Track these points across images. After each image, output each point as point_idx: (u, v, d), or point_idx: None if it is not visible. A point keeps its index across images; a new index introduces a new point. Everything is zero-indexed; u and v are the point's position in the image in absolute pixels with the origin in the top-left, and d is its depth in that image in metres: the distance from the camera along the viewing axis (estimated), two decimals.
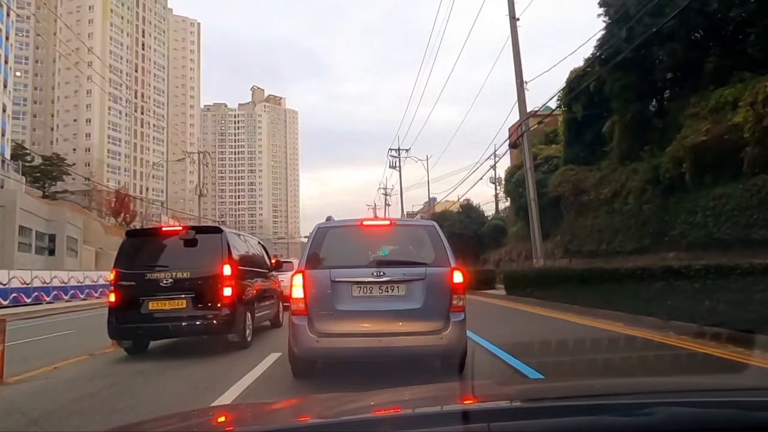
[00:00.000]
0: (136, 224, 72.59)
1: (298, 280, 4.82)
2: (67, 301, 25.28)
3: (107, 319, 7.18)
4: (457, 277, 4.83)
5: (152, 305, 6.97)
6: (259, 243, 10.34)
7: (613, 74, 15.97)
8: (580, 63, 20.30)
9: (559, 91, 19.70)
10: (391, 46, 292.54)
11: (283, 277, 10.48)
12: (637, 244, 15.83)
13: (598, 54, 16.18)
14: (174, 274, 7.07)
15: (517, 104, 15.51)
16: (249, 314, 7.71)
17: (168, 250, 7.59)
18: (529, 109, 16.06)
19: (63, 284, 26.90)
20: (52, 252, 43.32)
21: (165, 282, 7.01)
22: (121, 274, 7.23)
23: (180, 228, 8.23)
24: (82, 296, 27.33)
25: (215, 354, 6.99)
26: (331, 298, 4.72)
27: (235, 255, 7.58)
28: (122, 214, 65.94)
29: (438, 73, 67.85)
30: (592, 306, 10.51)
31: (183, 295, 7.01)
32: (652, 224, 14.94)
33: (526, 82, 15.56)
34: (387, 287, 4.76)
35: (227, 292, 7.07)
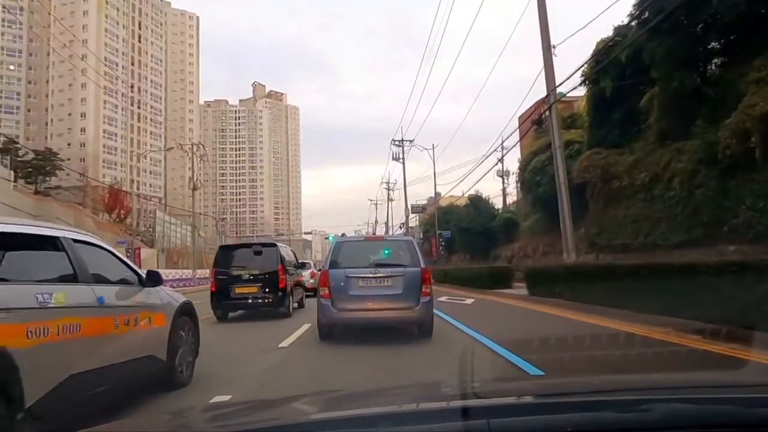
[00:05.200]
0: (132, 220, 70.84)
1: (325, 276, 7.19)
2: None
3: (210, 299, 11.30)
4: (425, 275, 7.15)
5: (237, 290, 11.05)
6: (291, 250, 14.45)
7: (655, 38, 13.59)
8: (609, 34, 17.96)
9: (584, 64, 17.27)
10: (395, 45, 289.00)
11: (305, 273, 15.74)
12: (684, 236, 13.47)
13: (636, 14, 13.79)
14: (249, 271, 11.21)
15: (533, 85, 13.23)
16: (291, 296, 11.79)
17: (245, 257, 11.76)
18: (540, 96, 13.69)
19: None
20: None
21: (244, 276, 11.16)
22: (217, 271, 11.48)
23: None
24: None
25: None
26: (345, 287, 7.01)
27: (283, 260, 11.68)
28: (117, 210, 63.70)
29: (442, 68, 65.41)
30: (651, 312, 8.15)
31: (255, 284, 11.11)
32: (707, 212, 12.56)
33: (554, 46, 13.20)
34: (380, 280, 7.03)
35: (280, 283, 11.15)
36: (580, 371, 4.67)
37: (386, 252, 7.69)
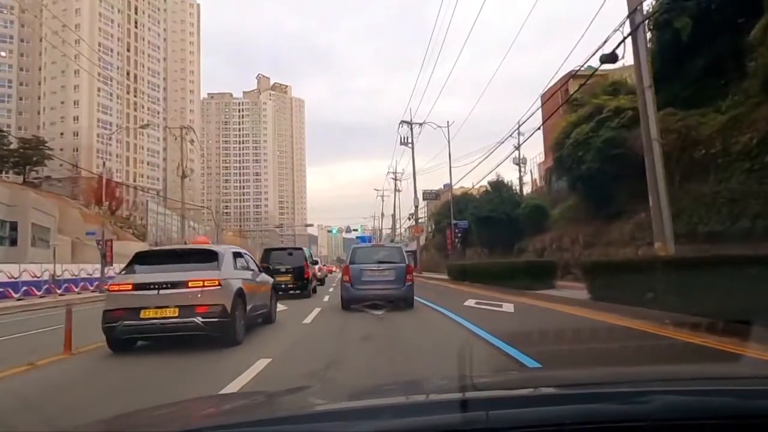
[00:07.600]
0: (128, 212, 67.37)
1: (347, 269, 11.89)
2: (18, 300, 19.55)
3: None
4: (408, 268, 11.82)
5: (277, 279, 13.39)
6: (310, 251, 21.46)
7: None
8: None
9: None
10: (401, 41, 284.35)
11: (315, 268, 21.63)
12: None
13: None
14: (285, 266, 16.18)
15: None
16: (312, 283, 17.76)
17: (282, 256, 17.20)
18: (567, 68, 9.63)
19: (10, 279, 20.87)
20: (14, 242, 37.43)
21: (282, 270, 15.81)
22: (264, 265, 13.74)
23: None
24: (39, 293, 21.30)
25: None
26: (359, 276, 11.52)
27: (307, 258, 17.45)
28: (107, 202, 60.03)
29: (449, 61, 61.46)
30: None
31: (289, 275, 16.09)
32: None
33: None
34: (381, 272, 11.56)
35: (306, 274, 16.57)
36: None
37: (385, 254, 12.40)
